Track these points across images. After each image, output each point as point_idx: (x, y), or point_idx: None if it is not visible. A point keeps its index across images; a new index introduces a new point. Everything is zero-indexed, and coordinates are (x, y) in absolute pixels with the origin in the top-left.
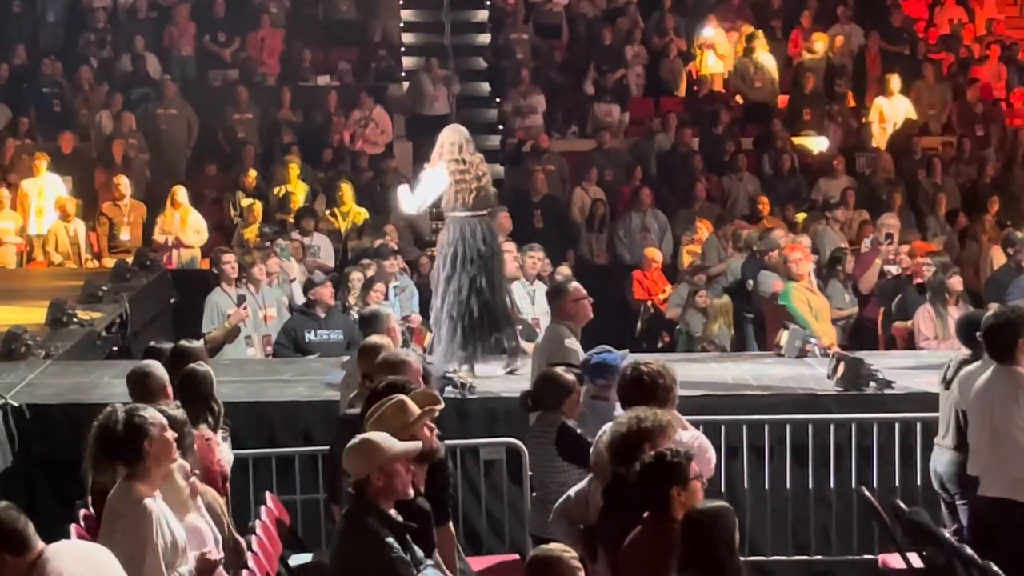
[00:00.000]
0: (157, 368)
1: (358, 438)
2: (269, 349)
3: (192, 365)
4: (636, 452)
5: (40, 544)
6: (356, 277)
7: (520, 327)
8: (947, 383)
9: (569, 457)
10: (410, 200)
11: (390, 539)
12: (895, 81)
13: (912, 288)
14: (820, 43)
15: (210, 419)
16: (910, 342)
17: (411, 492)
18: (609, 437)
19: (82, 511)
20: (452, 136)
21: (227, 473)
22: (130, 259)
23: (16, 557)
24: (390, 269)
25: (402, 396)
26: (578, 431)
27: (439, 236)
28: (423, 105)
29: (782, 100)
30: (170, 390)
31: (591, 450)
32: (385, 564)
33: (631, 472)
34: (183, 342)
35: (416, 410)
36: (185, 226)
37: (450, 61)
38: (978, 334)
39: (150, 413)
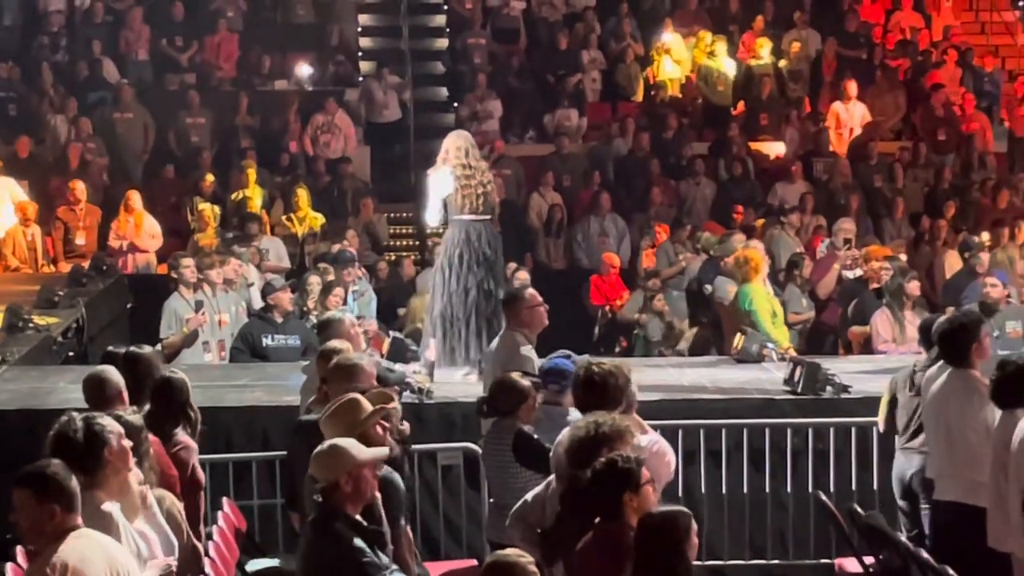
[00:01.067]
0: (113, 373)
1: (326, 444)
2: (224, 354)
3: (167, 372)
4: (594, 457)
5: (80, 518)
6: (314, 281)
7: None
8: (916, 388)
9: (526, 463)
10: (429, 212)
11: (360, 543)
12: (852, 86)
13: (869, 292)
14: (777, 48)
15: (187, 426)
16: (867, 347)
17: (378, 495)
18: (568, 441)
19: None
20: (458, 141)
21: (202, 481)
22: (86, 264)
23: (64, 513)
24: (348, 276)
25: (355, 394)
26: (534, 437)
27: (443, 238)
28: (374, 112)
29: (739, 105)
30: (126, 396)
31: (551, 454)
32: (356, 568)
33: (584, 477)
34: (135, 348)
35: (368, 407)
36: (140, 231)
37: (407, 66)
38: (932, 337)
39: (108, 421)
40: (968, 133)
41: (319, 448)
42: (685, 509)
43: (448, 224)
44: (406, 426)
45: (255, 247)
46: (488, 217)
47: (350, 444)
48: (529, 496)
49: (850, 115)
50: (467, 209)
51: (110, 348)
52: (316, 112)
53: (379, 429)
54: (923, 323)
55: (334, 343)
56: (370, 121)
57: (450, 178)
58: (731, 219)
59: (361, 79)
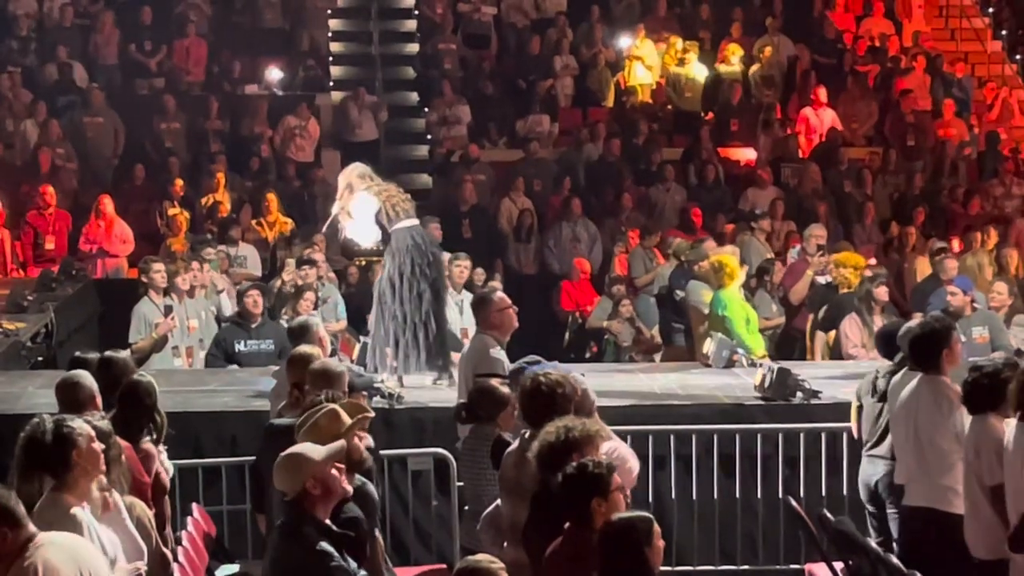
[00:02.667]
0: (86, 378)
1: (282, 455)
2: (191, 360)
3: (135, 376)
4: (564, 462)
5: (32, 527)
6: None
7: None
8: (880, 394)
9: None
10: (364, 235)
11: (327, 547)
12: (821, 92)
13: (839, 297)
14: (748, 55)
15: (153, 431)
16: (835, 352)
17: (350, 489)
18: (537, 446)
19: None
20: (357, 170)
21: (167, 485)
22: (56, 268)
23: (15, 530)
24: (308, 279)
25: (334, 406)
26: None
27: (388, 248)
28: (349, 132)
29: (709, 111)
30: (99, 400)
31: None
32: (324, 572)
33: (554, 482)
34: (110, 352)
35: (348, 420)
36: (111, 235)
37: (378, 71)
38: (899, 343)
39: (78, 424)
40: (940, 139)
41: (278, 462)
42: (645, 514)
43: (392, 234)
44: (368, 439)
45: (224, 253)
46: (418, 220)
47: (306, 448)
48: (499, 501)
49: (820, 121)
50: (403, 215)
51: (78, 353)
52: (286, 116)
53: (356, 440)
54: (882, 330)
55: (304, 348)
56: (345, 140)
57: (372, 197)
58: (695, 225)
59: (333, 85)
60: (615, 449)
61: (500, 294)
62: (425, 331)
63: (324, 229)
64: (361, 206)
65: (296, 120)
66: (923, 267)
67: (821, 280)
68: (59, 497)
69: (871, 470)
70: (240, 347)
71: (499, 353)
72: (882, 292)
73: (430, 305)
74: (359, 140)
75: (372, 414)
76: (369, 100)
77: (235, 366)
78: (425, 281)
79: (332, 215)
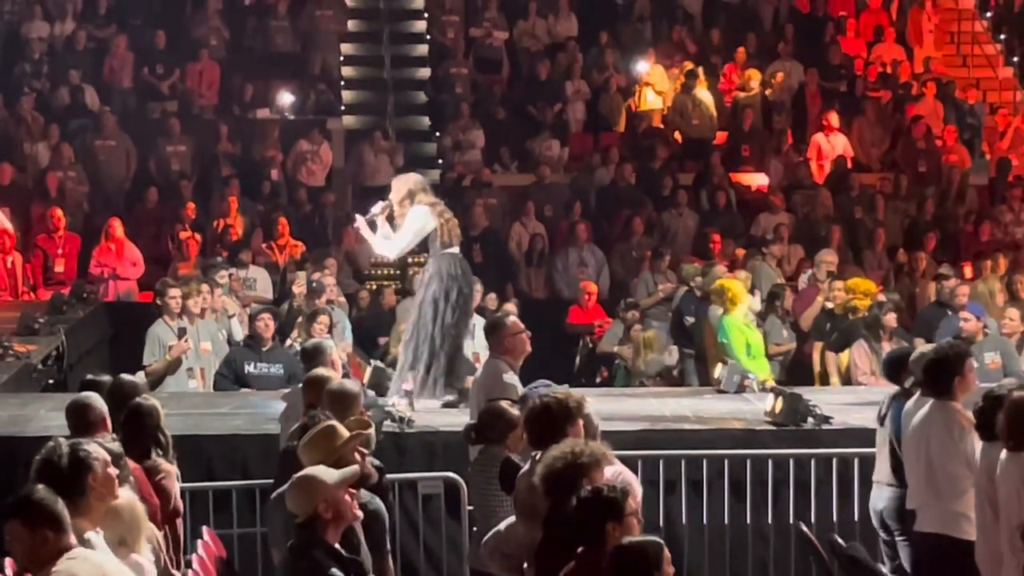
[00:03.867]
0: (96, 400)
1: (295, 477)
2: (206, 382)
3: (137, 399)
4: (572, 486)
5: (73, 538)
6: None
7: None
8: (883, 419)
9: (512, 491)
10: (395, 247)
11: (338, 572)
12: (833, 118)
13: (848, 323)
14: (759, 80)
15: (158, 451)
16: (845, 377)
17: (360, 514)
18: (544, 470)
19: None
20: (416, 179)
21: (180, 508)
22: (66, 291)
23: (57, 535)
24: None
25: (332, 421)
26: (521, 466)
27: (428, 271)
28: (364, 175)
29: (721, 136)
30: (109, 423)
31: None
32: None
33: (568, 506)
34: (124, 375)
35: (345, 434)
36: (122, 258)
37: (389, 95)
38: (911, 368)
39: (93, 448)
40: (949, 165)
41: (290, 482)
42: (656, 539)
43: (439, 256)
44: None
45: (236, 277)
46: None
47: (320, 471)
48: (502, 526)
49: (832, 147)
50: (455, 241)
51: (88, 376)
52: (298, 141)
53: (357, 455)
54: (888, 356)
55: (320, 371)
56: (362, 185)
57: (432, 215)
58: (709, 250)
59: (344, 109)
60: (620, 473)
61: (513, 318)
62: (452, 357)
63: (359, 219)
64: (416, 219)
65: (308, 145)
66: (933, 293)
67: (831, 306)
68: (74, 522)
69: (877, 496)
70: (250, 369)
71: (512, 378)
72: (891, 318)
73: (461, 334)
74: (375, 185)
75: (371, 429)
76: (385, 145)
77: (245, 388)
78: (462, 311)
79: (374, 212)
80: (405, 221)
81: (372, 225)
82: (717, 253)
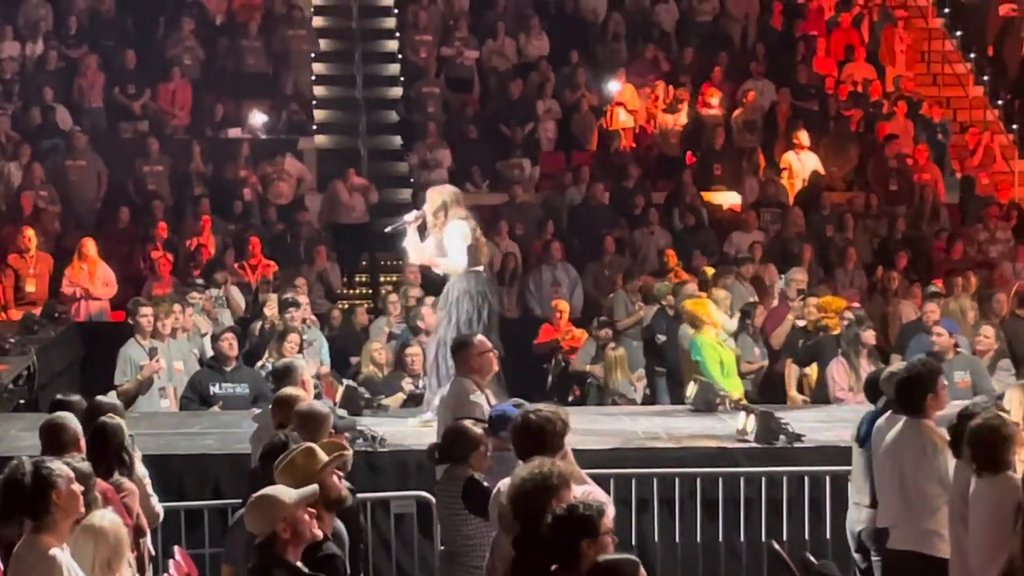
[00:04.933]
0: (71, 420)
1: (254, 497)
2: (175, 403)
3: (103, 418)
4: (541, 505)
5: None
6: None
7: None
8: (861, 440)
9: (476, 510)
10: (447, 263)
11: None
12: (804, 136)
13: (816, 340)
14: (731, 99)
15: (123, 470)
16: (818, 394)
17: (319, 533)
18: (512, 490)
19: None
20: (451, 191)
21: (146, 527)
22: (38, 311)
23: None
24: (295, 322)
25: (310, 444)
26: (485, 484)
27: (458, 288)
28: (339, 214)
29: (692, 155)
30: (83, 443)
31: (491, 502)
32: None
33: (541, 525)
34: (100, 397)
35: (324, 457)
36: (94, 278)
37: (361, 114)
38: (882, 386)
39: (57, 465)
40: (921, 183)
41: (249, 503)
42: (632, 557)
43: (466, 275)
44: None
45: (208, 296)
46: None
47: (278, 491)
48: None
49: (802, 165)
50: (481, 260)
51: (59, 396)
52: (269, 160)
53: (335, 479)
54: (868, 377)
55: (290, 390)
56: (334, 222)
57: (468, 231)
58: (670, 267)
59: (316, 128)
60: (590, 492)
61: (480, 337)
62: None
63: (388, 229)
64: (460, 234)
65: (279, 164)
66: (906, 311)
67: (801, 324)
68: (38, 539)
69: (855, 517)
70: (215, 390)
71: (478, 397)
72: (869, 336)
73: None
74: (350, 223)
75: (349, 452)
76: (359, 182)
77: (214, 408)
78: (495, 328)
79: (407, 220)
80: (450, 238)
81: (401, 234)
82: (675, 267)
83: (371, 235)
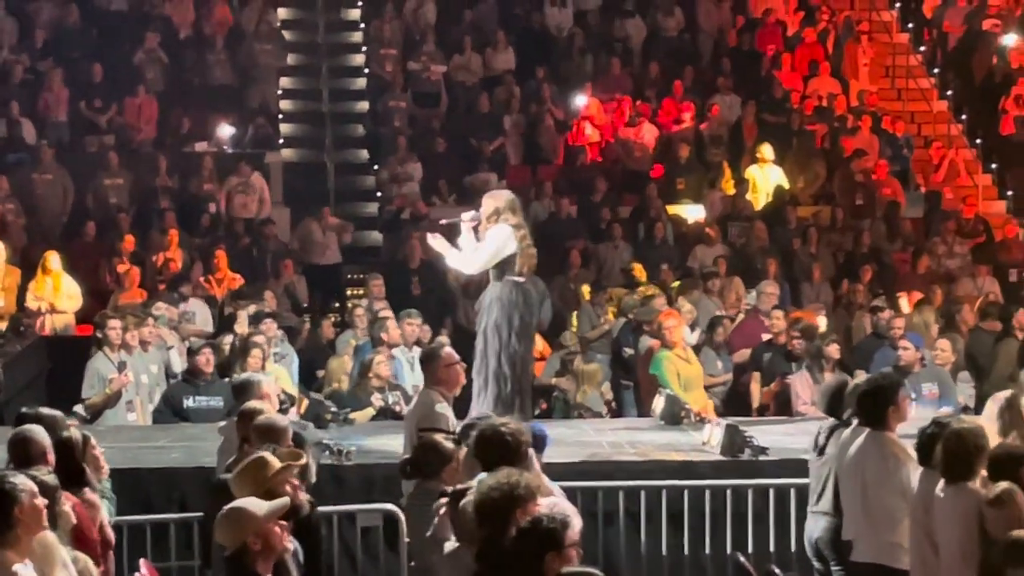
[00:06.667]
0: (38, 433)
1: (225, 509)
2: (142, 416)
3: (67, 432)
4: (507, 517)
5: None
6: (227, 341)
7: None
8: (820, 449)
9: None
10: (463, 259)
11: None
12: (767, 150)
13: (778, 354)
14: (697, 113)
15: (86, 483)
16: (783, 408)
17: (290, 546)
18: (477, 500)
19: None
20: (508, 197)
21: (111, 540)
22: (4, 325)
23: None
24: (268, 334)
25: (263, 453)
26: None
27: (501, 297)
28: (314, 254)
29: (658, 169)
30: (51, 456)
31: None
32: None
33: (506, 536)
34: (42, 409)
35: (276, 464)
36: (58, 292)
37: (327, 128)
38: (846, 399)
39: (20, 479)
40: (886, 198)
41: (220, 514)
42: (596, 571)
43: (502, 283)
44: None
45: (173, 309)
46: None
47: (249, 503)
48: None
49: (767, 179)
50: (526, 270)
51: (24, 409)
52: (235, 174)
53: (288, 487)
54: (824, 387)
55: (252, 403)
56: (308, 263)
57: (513, 236)
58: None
59: (283, 142)
60: (556, 504)
61: (448, 349)
62: (519, 385)
63: (443, 221)
64: (497, 239)
65: (245, 178)
66: (869, 325)
67: (766, 338)
68: (1, 555)
69: (813, 526)
70: (189, 403)
71: (445, 408)
72: (833, 350)
73: (528, 359)
74: (323, 264)
75: (303, 461)
76: (333, 222)
77: (185, 422)
78: (528, 336)
79: (464, 218)
80: (486, 238)
81: (456, 228)
82: (643, 281)
83: (344, 278)
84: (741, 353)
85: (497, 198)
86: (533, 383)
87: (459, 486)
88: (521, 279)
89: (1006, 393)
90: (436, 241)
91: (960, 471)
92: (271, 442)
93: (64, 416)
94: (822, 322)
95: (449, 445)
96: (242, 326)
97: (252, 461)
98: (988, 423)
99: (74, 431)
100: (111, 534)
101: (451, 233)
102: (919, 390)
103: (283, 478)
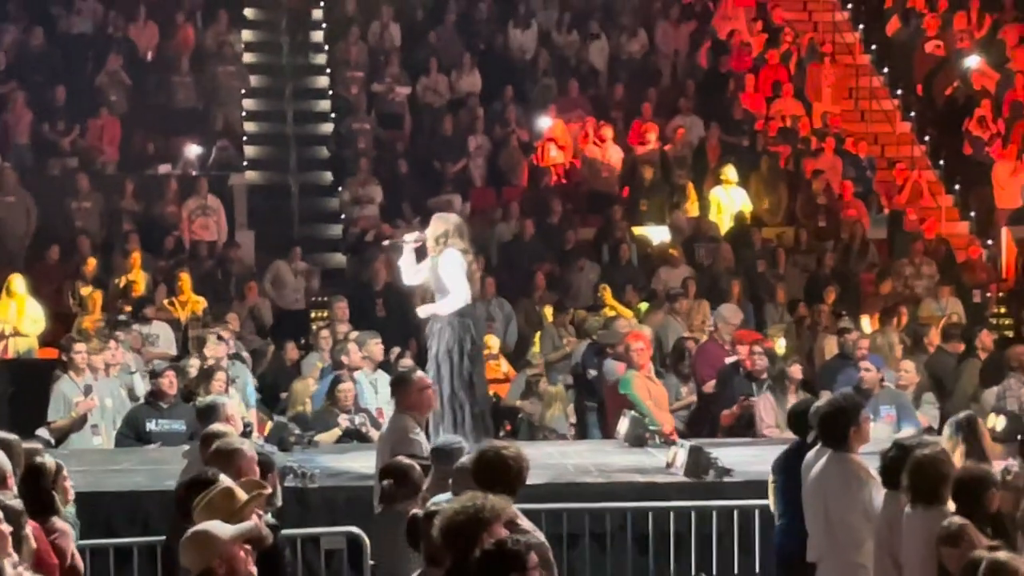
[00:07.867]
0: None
1: (191, 531)
2: (107, 439)
3: (37, 459)
4: (473, 540)
5: None
6: (194, 364)
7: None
8: (778, 470)
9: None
10: (448, 302)
11: None
12: (730, 171)
13: (741, 375)
14: (661, 135)
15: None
16: (748, 430)
17: (254, 571)
18: (444, 522)
19: None
20: (455, 221)
21: (80, 568)
22: None
23: None
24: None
25: (229, 484)
26: None
27: (439, 321)
28: (285, 297)
29: (622, 191)
30: (11, 481)
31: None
32: None
33: (469, 559)
34: (2, 433)
35: (243, 496)
36: (22, 315)
37: (292, 150)
38: (809, 420)
39: None
40: (850, 219)
41: (185, 536)
42: None
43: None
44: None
45: (137, 332)
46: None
47: (214, 527)
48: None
49: (731, 200)
50: (473, 294)
51: None
52: (198, 196)
53: (255, 517)
54: (792, 409)
55: (216, 427)
56: (280, 307)
57: (463, 261)
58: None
59: (247, 164)
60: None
61: (420, 374)
62: (470, 411)
63: (387, 243)
64: (457, 265)
65: (204, 200)
66: (833, 346)
67: (730, 359)
68: None
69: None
70: (151, 426)
71: (418, 435)
72: (796, 371)
73: (481, 382)
74: (291, 308)
75: (268, 490)
76: (302, 266)
77: (150, 445)
78: (479, 359)
79: (407, 240)
80: (448, 268)
81: (399, 249)
82: (610, 302)
83: (310, 316)
84: (708, 385)
85: (446, 220)
86: (491, 404)
87: (429, 507)
88: (469, 303)
89: (965, 414)
90: (411, 276)
91: (927, 498)
92: (228, 465)
93: (19, 440)
94: (780, 344)
95: (417, 469)
96: (212, 349)
97: (218, 492)
98: (948, 443)
99: (48, 458)
100: (80, 562)
101: (395, 254)
102: (877, 412)
103: (249, 511)
